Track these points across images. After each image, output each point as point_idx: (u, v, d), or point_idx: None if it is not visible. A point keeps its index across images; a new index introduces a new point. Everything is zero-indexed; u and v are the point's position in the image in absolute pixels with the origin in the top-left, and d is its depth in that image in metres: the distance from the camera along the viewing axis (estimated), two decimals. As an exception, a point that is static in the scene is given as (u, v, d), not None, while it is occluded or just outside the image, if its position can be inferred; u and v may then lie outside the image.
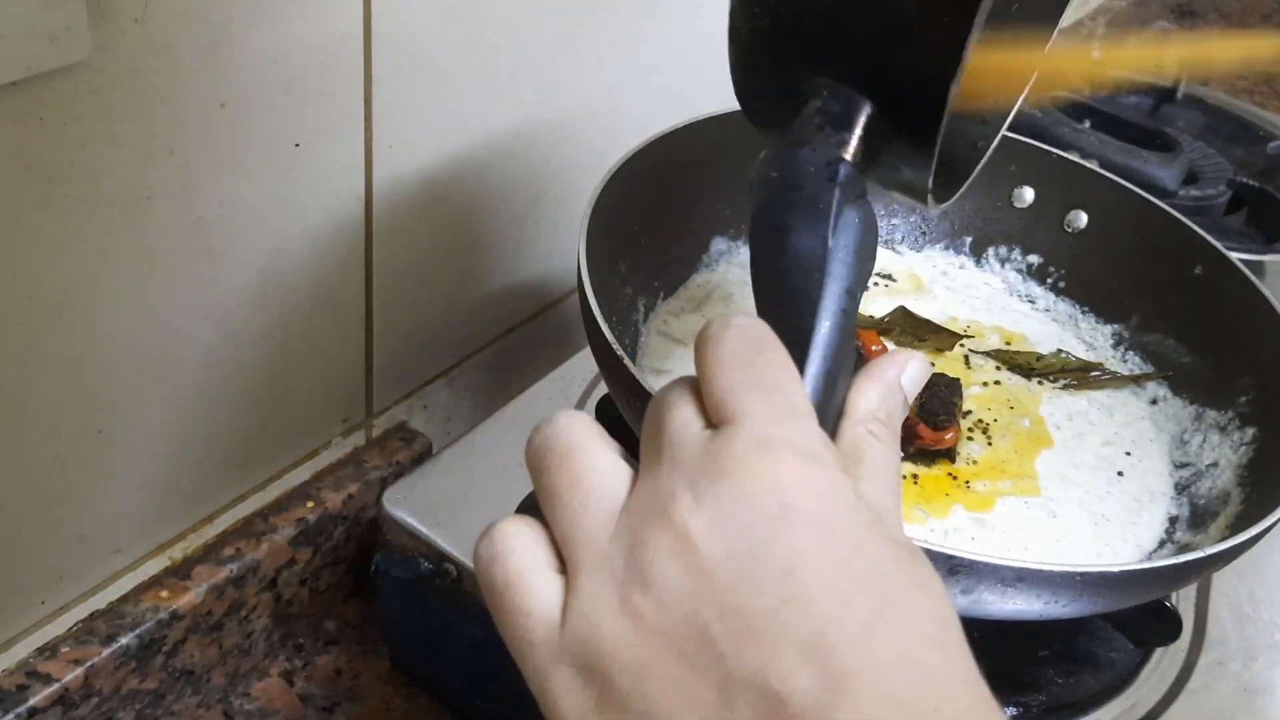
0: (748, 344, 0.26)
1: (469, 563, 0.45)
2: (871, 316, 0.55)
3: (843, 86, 0.30)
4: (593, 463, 0.25)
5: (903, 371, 0.29)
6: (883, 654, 0.22)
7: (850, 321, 0.29)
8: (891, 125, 0.30)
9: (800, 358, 0.27)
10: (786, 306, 0.28)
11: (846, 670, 0.22)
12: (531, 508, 0.31)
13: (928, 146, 0.30)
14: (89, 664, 0.43)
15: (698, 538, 0.23)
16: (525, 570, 0.25)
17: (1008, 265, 0.59)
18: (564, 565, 0.25)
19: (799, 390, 0.26)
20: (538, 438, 0.26)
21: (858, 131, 0.30)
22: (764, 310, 0.29)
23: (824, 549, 0.23)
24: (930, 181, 0.32)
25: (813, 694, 0.21)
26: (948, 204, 0.34)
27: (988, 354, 0.54)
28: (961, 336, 0.55)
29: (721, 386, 0.25)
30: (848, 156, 0.30)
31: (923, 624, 0.23)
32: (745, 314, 0.27)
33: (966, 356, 0.54)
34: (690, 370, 0.53)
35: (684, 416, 0.25)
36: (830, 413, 0.28)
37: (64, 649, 0.43)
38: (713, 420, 0.25)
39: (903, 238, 0.60)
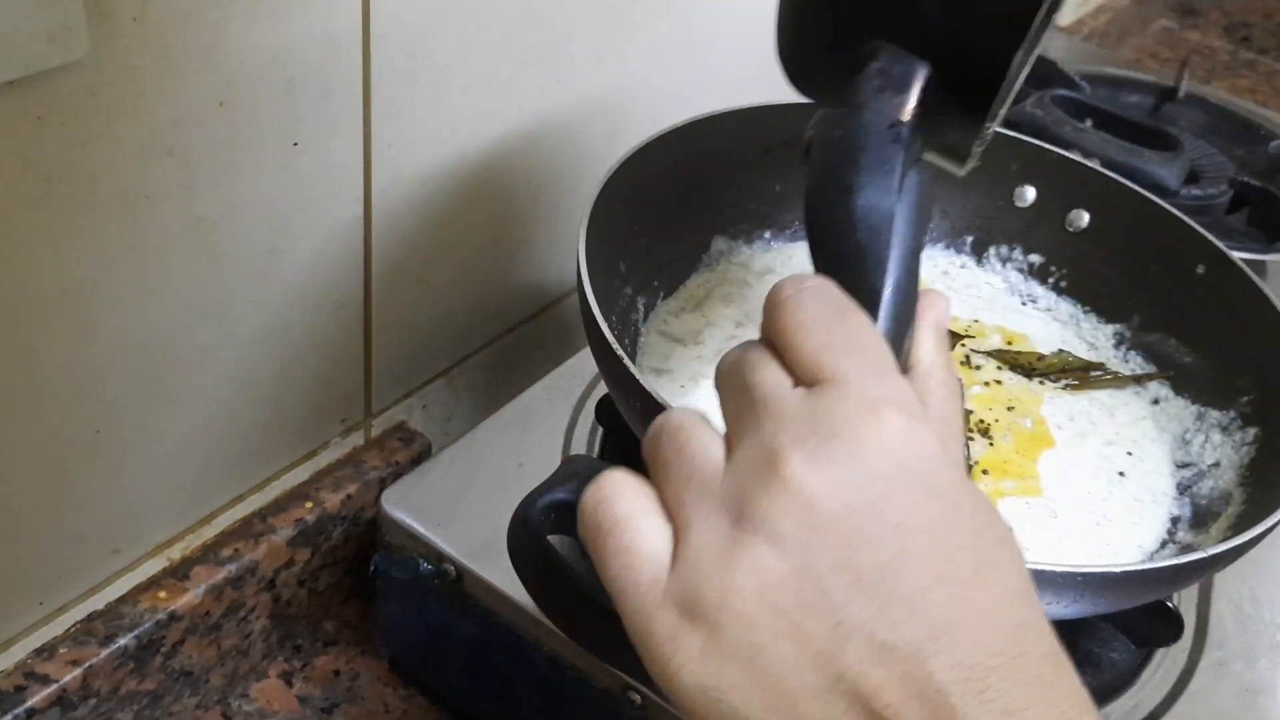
0: (830, 305, 0.27)
1: (468, 563, 0.45)
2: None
3: (901, 49, 0.30)
4: (697, 436, 0.26)
5: (942, 314, 0.30)
6: (978, 607, 0.24)
7: (914, 282, 0.29)
8: (948, 89, 0.30)
9: (870, 317, 0.28)
10: (854, 267, 0.28)
11: (947, 621, 0.23)
12: (532, 500, 0.31)
13: (982, 112, 0.30)
14: (87, 665, 0.43)
15: (814, 494, 0.24)
16: (635, 513, 0.26)
17: (1009, 265, 0.59)
18: (671, 521, 0.26)
19: (887, 349, 0.27)
20: (655, 423, 0.27)
21: (915, 94, 0.30)
22: (828, 271, 0.29)
23: (930, 507, 0.24)
24: (975, 146, 0.32)
25: (916, 641, 0.23)
26: (974, 164, 0.34)
27: (989, 354, 0.54)
28: (963, 336, 0.55)
29: (813, 347, 0.26)
30: (907, 119, 0.30)
31: (1010, 579, 0.25)
32: (811, 275, 0.28)
33: (968, 356, 0.54)
34: (689, 370, 0.53)
35: (774, 376, 0.26)
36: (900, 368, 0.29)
37: (62, 650, 0.43)
38: (804, 380, 0.26)
39: (903, 237, 0.60)
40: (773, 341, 0.27)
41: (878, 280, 0.28)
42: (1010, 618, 0.24)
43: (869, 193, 0.29)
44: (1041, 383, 0.53)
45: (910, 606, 0.23)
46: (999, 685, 0.23)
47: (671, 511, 0.26)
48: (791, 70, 0.34)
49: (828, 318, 0.27)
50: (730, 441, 0.26)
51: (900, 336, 0.28)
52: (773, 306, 0.27)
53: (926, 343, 0.29)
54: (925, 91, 0.30)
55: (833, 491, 0.24)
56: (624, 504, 0.26)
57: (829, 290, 0.27)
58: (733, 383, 0.27)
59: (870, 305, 0.28)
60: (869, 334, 0.27)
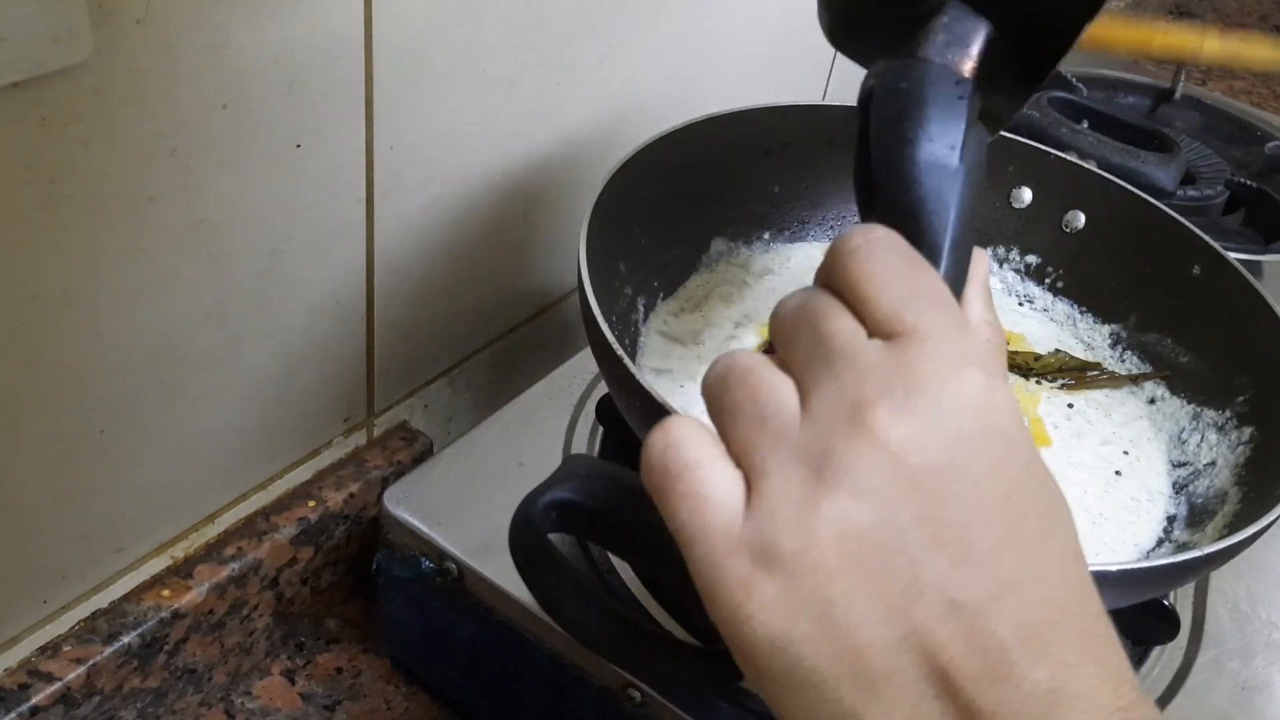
0: (904, 258, 0.26)
1: (469, 561, 0.45)
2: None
3: (967, 7, 0.30)
4: (769, 379, 0.26)
5: (986, 272, 0.30)
6: (1042, 565, 0.24)
7: (970, 240, 0.29)
8: (1008, 53, 0.30)
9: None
10: (916, 221, 0.28)
11: (1013, 579, 0.24)
12: (533, 499, 0.31)
13: (1038, 78, 0.30)
14: (91, 663, 0.43)
15: (899, 448, 0.24)
16: (706, 459, 0.25)
17: (1006, 265, 0.59)
18: (740, 467, 0.25)
19: (958, 305, 0.27)
20: (718, 365, 0.27)
21: (978, 53, 0.30)
22: (886, 223, 0.28)
23: (1007, 467, 0.25)
24: (1016, 112, 0.32)
25: (985, 598, 0.23)
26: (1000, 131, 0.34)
27: (986, 354, 0.54)
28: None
29: (890, 299, 0.25)
30: (969, 76, 0.30)
31: (1069, 539, 0.25)
32: (877, 226, 0.27)
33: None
34: (689, 370, 0.53)
35: (850, 325, 0.26)
36: None
37: (66, 648, 0.43)
38: (879, 332, 0.25)
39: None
40: (839, 290, 0.26)
41: (939, 236, 0.28)
42: (1069, 576, 0.25)
43: (935, 146, 0.28)
44: (1038, 382, 0.53)
45: (982, 564, 0.23)
46: (1057, 641, 0.24)
47: (742, 457, 0.25)
48: (836, 20, 0.34)
49: (903, 270, 0.26)
50: (802, 388, 0.25)
51: (958, 294, 0.28)
52: (843, 255, 0.26)
53: (976, 301, 0.29)
54: (985, 52, 0.30)
55: (919, 446, 0.24)
56: (693, 448, 0.25)
57: (899, 242, 0.27)
58: (799, 329, 0.26)
59: (931, 260, 0.27)
60: (942, 289, 0.26)
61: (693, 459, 0.25)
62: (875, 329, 0.25)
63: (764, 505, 0.24)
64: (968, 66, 0.30)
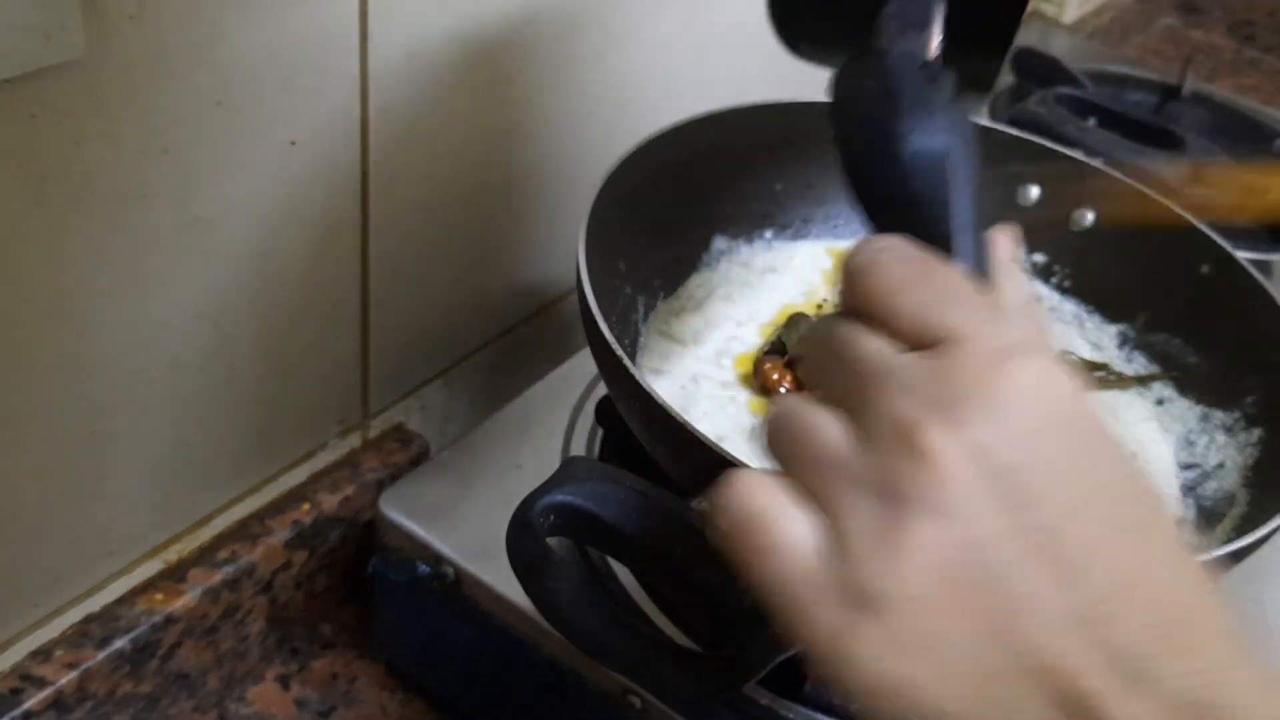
0: (912, 262, 0.25)
1: (466, 565, 0.45)
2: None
3: None
4: (810, 420, 0.25)
5: (1012, 247, 0.29)
6: (1148, 557, 0.23)
7: (980, 220, 0.28)
8: (968, 22, 0.29)
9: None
10: (918, 218, 0.27)
11: (1123, 579, 0.22)
12: (531, 502, 0.31)
13: (1007, 38, 0.30)
14: (83, 667, 0.42)
15: (961, 462, 0.22)
16: (772, 506, 0.24)
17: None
18: (814, 513, 0.24)
19: (987, 291, 0.25)
20: (771, 413, 0.26)
21: (938, 30, 0.29)
22: (891, 228, 0.27)
23: (1086, 456, 0.23)
24: (999, 74, 0.31)
25: (1095, 603, 0.22)
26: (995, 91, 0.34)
27: (991, 354, 0.54)
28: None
29: (912, 308, 0.24)
30: (934, 55, 0.29)
31: (1168, 526, 0.24)
32: (880, 236, 0.26)
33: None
34: (689, 370, 0.52)
35: (875, 344, 0.24)
36: None
37: (58, 652, 0.43)
38: (910, 343, 0.24)
39: (905, 237, 0.59)
40: (859, 312, 0.25)
41: (943, 226, 0.27)
42: (1182, 566, 0.23)
43: (916, 137, 0.27)
44: (1045, 383, 0.53)
45: (1085, 569, 0.22)
46: (1191, 641, 0.22)
47: (811, 502, 0.24)
48: (786, 23, 0.33)
49: (916, 274, 0.25)
50: (847, 419, 0.24)
51: (982, 275, 0.27)
52: (852, 275, 0.25)
53: (1005, 280, 0.27)
54: (947, 25, 0.29)
55: (982, 456, 0.22)
56: (760, 499, 0.24)
57: (905, 247, 0.25)
58: (828, 363, 0.25)
59: (943, 252, 0.26)
60: (961, 281, 0.25)
61: (760, 509, 0.24)
62: (906, 342, 0.24)
63: (844, 546, 0.23)
64: (931, 46, 0.29)
